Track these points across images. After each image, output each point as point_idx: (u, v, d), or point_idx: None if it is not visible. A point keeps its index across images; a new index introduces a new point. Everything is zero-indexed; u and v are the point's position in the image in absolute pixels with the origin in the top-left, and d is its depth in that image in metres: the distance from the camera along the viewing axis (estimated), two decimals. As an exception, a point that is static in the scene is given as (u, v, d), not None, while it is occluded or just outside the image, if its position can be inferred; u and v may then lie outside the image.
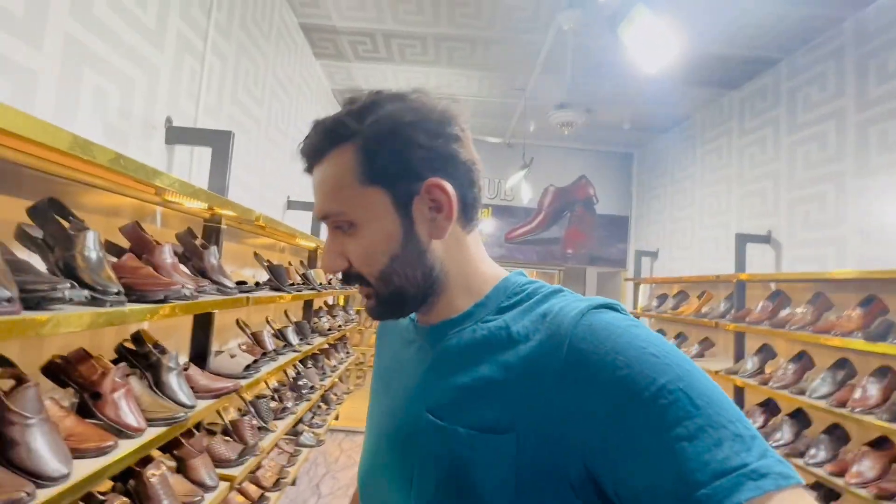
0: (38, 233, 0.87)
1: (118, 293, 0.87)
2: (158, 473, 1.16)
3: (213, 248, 1.38)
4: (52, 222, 0.88)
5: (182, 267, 1.33)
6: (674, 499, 0.32)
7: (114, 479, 1.16)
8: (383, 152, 0.45)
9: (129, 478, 1.15)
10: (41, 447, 0.75)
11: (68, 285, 0.75)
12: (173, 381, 1.16)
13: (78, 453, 0.83)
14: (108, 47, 1.22)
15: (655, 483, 0.33)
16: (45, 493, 0.71)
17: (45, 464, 0.74)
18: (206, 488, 1.30)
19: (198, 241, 1.41)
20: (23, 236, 0.87)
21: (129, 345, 1.17)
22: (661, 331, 3.85)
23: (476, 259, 0.52)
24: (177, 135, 1.51)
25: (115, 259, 1.04)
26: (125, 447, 0.92)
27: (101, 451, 0.87)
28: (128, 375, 1.07)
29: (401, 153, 0.45)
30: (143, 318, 0.91)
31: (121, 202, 1.29)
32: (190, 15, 1.60)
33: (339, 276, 0.51)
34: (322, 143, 0.47)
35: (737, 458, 0.31)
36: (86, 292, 0.79)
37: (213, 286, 1.30)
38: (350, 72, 3.34)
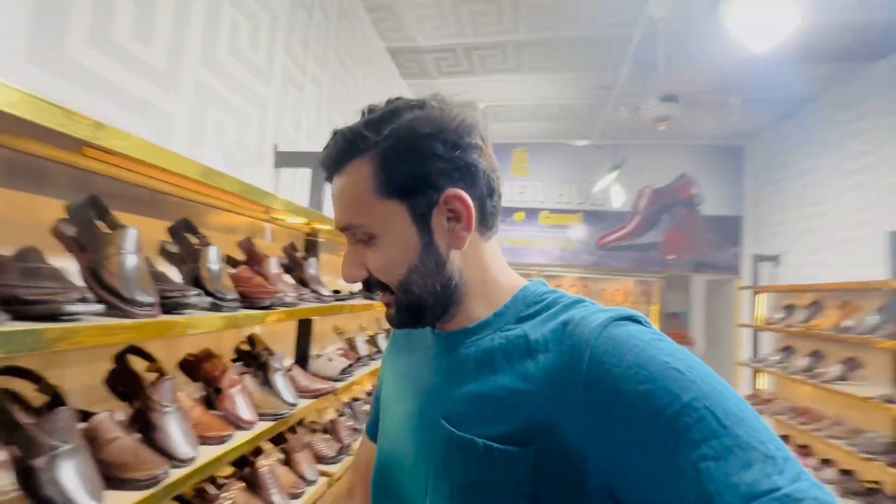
0: (174, 248, 1.03)
1: (234, 300, 0.99)
2: (268, 464, 1.29)
3: (312, 260, 1.51)
4: (185, 240, 1.03)
5: (286, 277, 1.47)
6: None
7: (232, 464, 1.31)
8: (400, 165, 0.45)
9: (245, 465, 1.29)
10: (175, 432, 0.87)
11: (195, 293, 0.87)
12: (279, 380, 1.28)
13: (202, 440, 0.96)
14: (227, 87, 1.41)
15: None
16: (176, 473, 0.83)
17: (177, 447, 0.86)
18: (307, 482, 1.40)
19: (299, 254, 1.55)
20: (163, 252, 1.03)
21: (245, 346, 1.32)
22: (789, 347, 3.33)
23: (495, 267, 0.52)
24: (282, 159, 1.69)
25: (232, 270, 1.18)
26: (240, 437, 1.03)
27: (221, 440, 0.98)
28: (243, 374, 1.20)
29: (418, 165, 0.45)
30: (254, 322, 1.02)
31: (237, 220, 1.47)
32: (293, 50, 1.79)
33: (360, 286, 0.52)
34: (340, 154, 0.48)
35: (768, 480, 0.30)
36: (209, 299, 0.91)
37: (311, 294, 1.41)
38: (434, 88, 3.44)
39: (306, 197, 1.70)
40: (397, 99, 0.49)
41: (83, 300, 0.64)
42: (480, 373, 0.46)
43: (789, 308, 3.40)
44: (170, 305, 0.82)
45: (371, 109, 0.49)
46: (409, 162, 0.45)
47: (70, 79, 0.92)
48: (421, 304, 0.48)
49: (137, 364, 0.97)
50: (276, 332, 1.69)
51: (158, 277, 0.88)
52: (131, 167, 0.89)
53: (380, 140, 0.46)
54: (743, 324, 3.83)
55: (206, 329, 0.85)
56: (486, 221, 0.49)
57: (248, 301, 1.09)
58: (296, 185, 1.86)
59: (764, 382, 3.75)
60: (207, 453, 0.93)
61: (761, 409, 3.26)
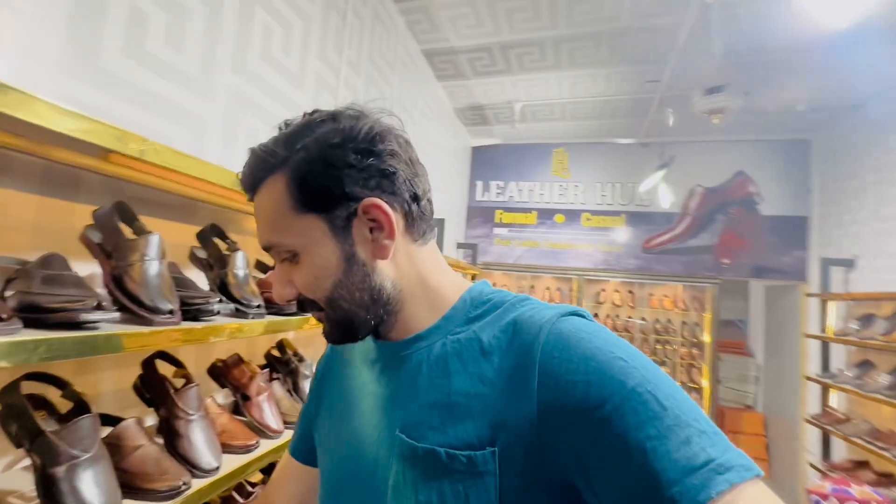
0: (203, 254, 1.03)
1: (259, 306, 0.97)
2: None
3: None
4: (213, 245, 1.03)
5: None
6: (649, 497, 0.33)
7: (262, 471, 1.30)
8: (314, 179, 0.45)
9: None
10: (199, 441, 0.86)
11: (218, 299, 0.86)
12: (308, 387, 1.26)
13: (228, 448, 0.94)
14: (260, 92, 1.42)
15: (630, 483, 0.34)
16: (198, 483, 0.81)
17: (200, 456, 0.84)
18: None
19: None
20: (192, 257, 1.03)
21: (275, 352, 1.32)
22: (866, 362, 2.99)
23: (435, 271, 0.51)
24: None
25: (261, 275, 1.18)
26: (266, 446, 1.01)
27: (247, 449, 0.96)
28: (271, 380, 1.19)
29: (331, 178, 0.45)
30: (278, 329, 1.00)
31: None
32: (325, 56, 1.79)
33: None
34: (255, 172, 0.47)
35: (703, 453, 0.33)
36: (232, 306, 0.89)
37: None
38: (470, 89, 3.41)
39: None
40: (313, 112, 0.48)
41: (100, 308, 0.63)
42: (434, 380, 0.45)
43: (867, 318, 3.04)
44: (192, 313, 0.81)
45: (287, 124, 0.48)
46: (322, 174, 0.44)
47: (105, 88, 0.94)
48: (351, 319, 0.47)
49: (166, 370, 0.97)
50: (308, 339, 1.69)
51: (184, 284, 0.87)
52: (165, 175, 0.89)
53: (291, 155, 0.45)
54: (811, 334, 3.48)
55: (222, 337, 0.83)
56: (415, 226, 0.49)
57: (274, 307, 1.07)
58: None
59: (836, 400, 3.39)
60: (232, 462, 0.91)
61: (835, 429, 2.94)
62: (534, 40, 2.68)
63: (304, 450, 0.64)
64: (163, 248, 0.79)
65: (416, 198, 0.48)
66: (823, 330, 3.43)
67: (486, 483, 0.39)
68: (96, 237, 0.77)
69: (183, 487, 0.76)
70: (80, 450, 0.66)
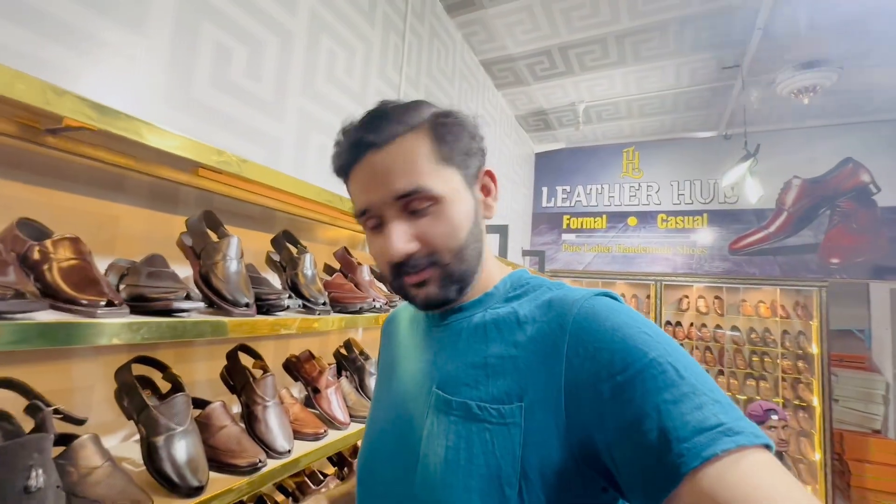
0: (277, 258, 1.14)
1: (324, 304, 1.05)
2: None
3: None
4: (285, 249, 1.13)
5: (379, 284, 1.53)
6: (659, 453, 0.35)
7: (333, 464, 1.38)
8: (455, 138, 0.51)
9: (344, 466, 1.35)
10: (274, 425, 0.94)
11: (288, 295, 0.94)
12: (373, 384, 1.32)
13: (299, 435, 1.02)
14: (327, 112, 1.55)
15: (644, 440, 0.36)
16: (273, 463, 0.89)
17: (275, 439, 0.92)
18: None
19: (393, 263, 1.61)
20: (268, 260, 1.15)
21: (343, 350, 1.40)
22: None
23: (490, 255, 0.57)
24: (377, 174, 1.78)
25: (328, 277, 1.27)
26: (334, 436, 1.08)
27: (316, 437, 1.04)
28: (340, 376, 1.27)
29: (468, 141, 0.52)
30: (340, 325, 1.07)
31: (339, 234, 1.59)
32: (385, 74, 1.90)
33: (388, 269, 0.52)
34: (395, 124, 0.49)
35: (714, 418, 0.35)
36: (300, 302, 0.98)
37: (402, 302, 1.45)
38: (530, 95, 3.39)
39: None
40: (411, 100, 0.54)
41: (189, 298, 0.72)
42: (472, 344, 0.50)
43: None
44: (266, 307, 0.90)
45: (388, 102, 0.53)
46: (461, 137, 0.51)
47: (196, 115, 1.09)
48: (469, 271, 0.52)
49: (248, 362, 1.08)
50: (376, 340, 1.77)
51: (260, 282, 0.97)
52: (243, 185, 1.01)
53: (429, 117, 0.51)
54: (955, 345, 2.91)
55: (291, 329, 0.91)
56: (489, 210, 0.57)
57: (339, 305, 1.15)
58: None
59: None
60: (303, 448, 0.99)
61: None
62: (594, 38, 2.61)
63: None
64: (241, 249, 0.89)
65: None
66: (972, 339, 2.85)
67: (512, 433, 0.43)
68: (188, 241, 0.89)
69: (259, 465, 0.84)
70: (176, 423, 0.76)
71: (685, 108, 3.54)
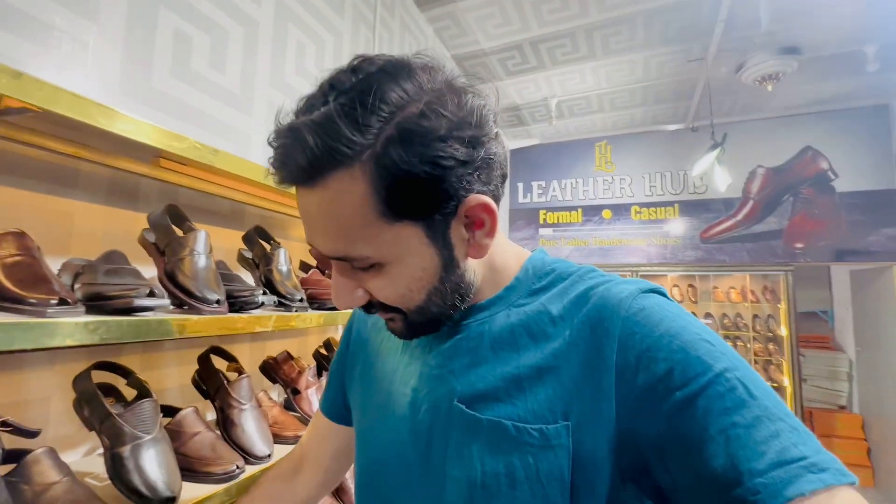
0: (249, 254, 1.09)
1: (301, 300, 1.01)
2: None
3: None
4: (257, 245, 1.08)
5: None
6: (727, 485, 0.30)
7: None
8: (410, 179, 0.35)
9: (328, 469, 1.30)
10: (252, 429, 0.90)
11: (262, 292, 0.90)
12: (355, 383, 1.28)
13: (279, 438, 0.97)
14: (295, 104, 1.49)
15: (709, 470, 0.32)
16: (252, 469, 0.84)
17: (253, 444, 0.87)
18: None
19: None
20: (239, 258, 1.10)
21: (323, 350, 1.35)
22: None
23: (501, 249, 0.48)
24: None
25: (304, 275, 1.22)
26: (316, 438, 1.04)
27: (297, 439, 0.99)
28: (321, 376, 1.22)
29: (435, 178, 0.35)
30: (319, 322, 1.03)
31: None
32: (357, 68, 1.86)
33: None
34: (316, 162, 0.35)
35: (795, 449, 0.30)
36: (275, 298, 0.93)
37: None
38: (504, 90, 3.40)
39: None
40: (363, 61, 0.36)
41: (152, 295, 0.67)
42: (500, 351, 0.43)
43: (980, 297, 2.64)
44: (238, 305, 0.85)
45: (335, 86, 0.36)
46: (422, 175, 0.35)
47: (157, 105, 1.02)
48: (438, 319, 0.44)
49: (221, 365, 1.03)
50: (357, 339, 1.72)
51: (233, 279, 0.92)
52: (209, 177, 0.96)
53: (372, 143, 0.34)
54: (910, 321, 3.08)
55: (266, 327, 0.86)
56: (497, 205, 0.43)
57: (317, 302, 1.10)
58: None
59: (951, 394, 2.95)
60: (284, 451, 0.94)
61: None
62: (564, 32, 2.64)
63: (336, 409, 0.64)
64: (209, 244, 0.84)
65: (504, 178, 0.42)
66: (926, 315, 3.02)
67: (559, 456, 0.37)
68: (151, 238, 0.84)
69: (237, 471, 0.79)
70: (143, 431, 0.71)
71: (654, 101, 3.62)
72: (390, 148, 0.34)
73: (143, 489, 0.66)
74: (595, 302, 0.41)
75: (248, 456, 0.86)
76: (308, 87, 1.58)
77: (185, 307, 0.76)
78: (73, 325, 0.54)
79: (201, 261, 0.81)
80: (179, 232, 0.86)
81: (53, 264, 0.78)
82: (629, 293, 0.40)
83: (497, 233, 0.43)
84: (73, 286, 0.69)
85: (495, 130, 0.40)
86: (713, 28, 2.56)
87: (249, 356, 1.23)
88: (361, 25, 1.88)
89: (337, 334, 1.60)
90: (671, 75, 3.16)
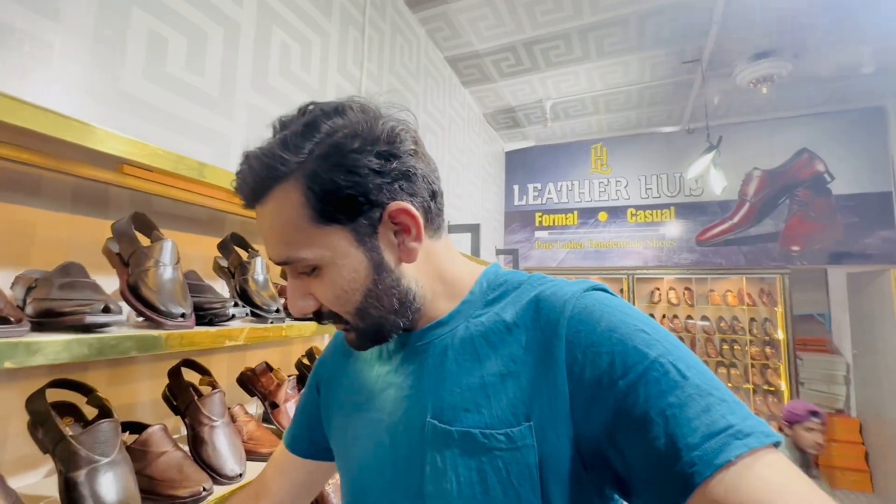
0: (224, 263, 1.05)
1: (277, 311, 0.97)
2: (332, 482, 1.25)
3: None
4: (233, 253, 1.05)
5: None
6: (669, 462, 0.33)
7: (299, 482, 1.29)
8: (335, 188, 0.41)
9: (310, 483, 1.26)
10: (223, 447, 0.86)
11: (233, 303, 0.86)
12: (339, 394, 1.24)
13: (254, 456, 0.94)
14: (282, 108, 1.46)
15: (653, 449, 0.34)
16: (221, 489, 0.80)
17: (224, 463, 0.84)
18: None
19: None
20: (215, 267, 1.06)
21: (305, 360, 1.32)
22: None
23: (450, 263, 0.51)
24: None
25: (285, 283, 1.18)
26: (293, 454, 1.00)
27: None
28: (303, 387, 1.19)
29: (353, 184, 0.41)
30: (299, 332, 0.99)
31: None
32: (346, 70, 1.82)
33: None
34: (258, 181, 0.42)
35: (723, 420, 0.33)
36: (248, 310, 0.89)
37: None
38: (497, 92, 3.37)
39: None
40: (310, 105, 0.44)
41: (107, 310, 0.64)
42: (463, 364, 0.45)
43: (978, 301, 2.62)
44: (208, 317, 0.82)
45: (284, 125, 0.44)
46: (344, 183, 0.41)
47: (127, 109, 0.99)
48: (381, 325, 0.46)
49: (195, 378, 0.99)
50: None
51: (204, 290, 0.89)
52: (174, 182, 0.92)
53: (302, 161, 0.41)
54: (908, 324, 3.05)
55: (238, 340, 0.82)
56: (433, 223, 0.48)
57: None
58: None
59: (949, 399, 2.93)
60: (257, 469, 0.90)
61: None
62: (558, 33, 2.61)
63: (302, 443, 0.64)
64: (177, 254, 0.81)
65: (433, 195, 0.47)
66: (924, 318, 2.99)
67: (526, 456, 0.40)
68: (115, 248, 0.80)
69: (204, 493, 0.75)
70: (100, 454, 0.67)
71: (649, 104, 3.60)
72: (316, 162, 0.41)
73: (97, 517, 0.63)
74: (543, 306, 0.44)
75: (218, 476, 0.82)
76: (292, 89, 1.55)
77: (146, 321, 0.72)
78: (6, 346, 0.51)
79: (167, 272, 0.77)
80: (148, 241, 0.82)
81: (10, 276, 0.75)
82: (572, 294, 0.43)
83: (446, 248, 0.51)
84: (24, 301, 0.65)
85: (412, 148, 0.44)
86: (707, 30, 2.53)
87: (228, 367, 1.19)
88: (350, 27, 1.85)
89: (322, 343, 1.57)
90: (666, 77, 3.14)
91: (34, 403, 0.68)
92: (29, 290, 0.66)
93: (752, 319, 3.86)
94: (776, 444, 0.33)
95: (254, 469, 0.89)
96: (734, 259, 3.77)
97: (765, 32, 2.34)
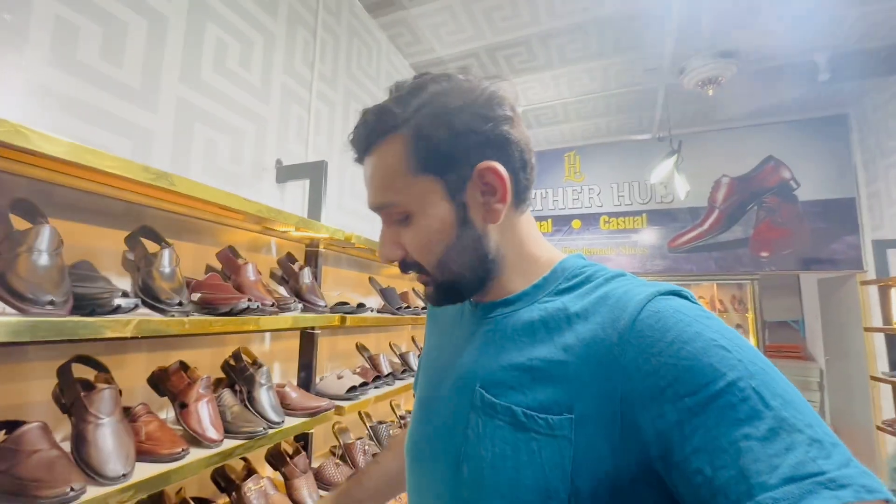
0: (132, 256, 1.01)
1: (180, 304, 0.93)
2: (256, 488, 1.19)
3: (307, 270, 1.45)
4: (140, 245, 1.01)
5: (277, 287, 1.41)
6: (737, 500, 0.29)
7: (221, 489, 1.23)
8: (432, 140, 0.45)
9: (232, 490, 1.20)
10: (107, 447, 0.81)
11: (120, 294, 0.82)
12: (264, 396, 1.19)
13: (149, 456, 0.89)
14: (218, 104, 1.44)
15: (715, 480, 0.31)
16: (98, 491, 0.75)
17: (104, 463, 0.79)
18: (304, 510, 1.28)
19: (296, 265, 1.50)
20: (123, 261, 1.02)
21: (231, 361, 1.27)
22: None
23: (531, 240, 0.52)
24: (283, 173, 1.68)
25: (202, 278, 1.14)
26: (198, 454, 0.95)
27: (172, 457, 0.90)
28: (218, 388, 1.14)
29: (451, 140, 0.45)
30: (201, 329, 0.95)
31: (244, 237, 1.46)
32: (294, 70, 1.81)
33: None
34: (370, 133, 0.48)
35: (812, 464, 0.29)
36: (136, 301, 0.85)
37: (299, 303, 1.34)
38: (466, 99, 3.38)
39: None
40: (424, 74, 0.49)
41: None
42: (519, 343, 0.46)
43: (937, 303, 2.64)
44: (88, 307, 0.78)
45: (398, 87, 0.49)
46: (441, 136, 0.45)
47: (33, 98, 0.96)
48: (459, 282, 0.49)
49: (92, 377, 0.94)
50: (282, 351, 1.64)
51: (95, 280, 0.85)
52: (76, 172, 0.88)
53: (409, 116, 0.46)
54: (871, 327, 3.07)
55: (114, 333, 0.78)
56: (520, 194, 0.49)
57: (209, 307, 1.03)
58: (306, 199, 1.84)
59: (915, 402, 2.93)
60: (151, 470, 0.85)
61: (912, 436, 2.53)
62: (518, 39, 2.64)
63: None
64: (57, 240, 0.77)
65: (524, 165, 0.48)
66: (888, 322, 3.02)
67: (561, 446, 0.39)
68: (-11, 233, 0.76)
69: (71, 494, 0.70)
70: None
71: (617, 111, 3.64)
72: (422, 117, 0.45)
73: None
74: (612, 303, 0.42)
75: (98, 476, 0.77)
76: (229, 85, 1.52)
77: (13, 308, 0.68)
78: None
79: (42, 259, 0.74)
80: (28, 225, 0.78)
81: None
82: (646, 295, 0.40)
83: (529, 224, 0.52)
84: None
85: (509, 115, 0.47)
86: (663, 37, 2.58)
87: (146, 367, 1.14)
88: (300, 28, 1.85)
89: (264, 343, 1.52)
90: (630, 85, 3.18)
91: None
92: None
93: (724, 325, 3.86)
94: (887, 502, 0.28)
95: (148, 469, 0.84)
96: (705, 265, 3.79)
97: (721, 41, 2.38)
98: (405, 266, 0.51)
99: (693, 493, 0.32)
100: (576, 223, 4.21)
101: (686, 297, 0.41)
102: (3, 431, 0.81)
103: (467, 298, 0.52)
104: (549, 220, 4.29)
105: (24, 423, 0.79)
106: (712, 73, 2.20)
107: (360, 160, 0.50)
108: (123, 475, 0.79)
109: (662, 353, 0.36)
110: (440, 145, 0.45)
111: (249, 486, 1.18)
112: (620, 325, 0.39)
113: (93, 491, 0.74)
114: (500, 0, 2.31)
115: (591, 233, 4.15)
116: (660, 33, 2.55)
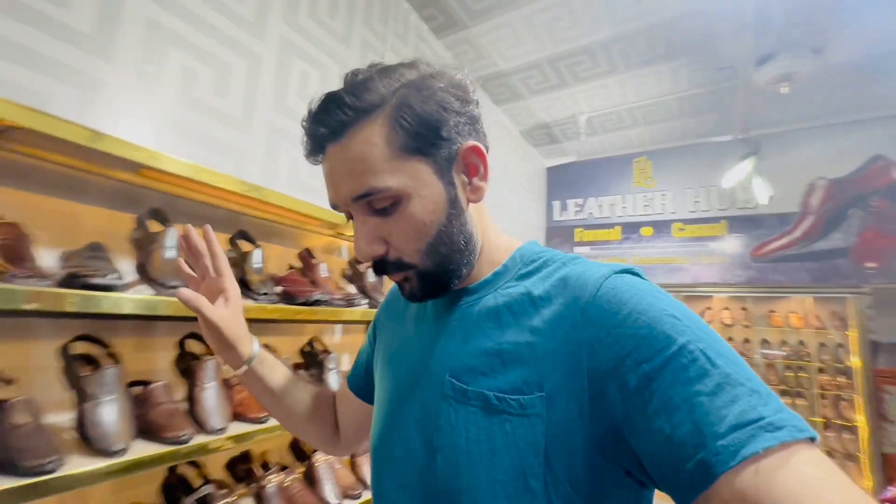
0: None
1: (265, 294, 1.12)
2: (324, 460, 1.36)
3: (371, 270, 1.61)
4: (237, 246, 1.23)
5: (346, 284, 1.59)
6: (692, 450, 0.32)
7: (297, 458, 1.42)
8: (419, 120, 0.44)
9: (306, 459, 1.38)
10: (210, 405, 1.01)
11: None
12: (331, 379, 1.37)
13: (242, 417, 1.08)
14: (300, 126, 1.66)
15: (674, 435, 0.33)
16: (202, 438, 0.94)
17: (208, 418, 0.98)
18: (365, 485, 1.42)
19: (362, 266, 1.67)
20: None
21: (307, 348, 1.46)
22: None
23: (492, 227, 0.54)
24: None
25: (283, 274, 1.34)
26: (275, 422, 1.13)
27: (257, 420, 1.09)
28: (297, 371, 1.32)
29: (438, 118, 0.45)
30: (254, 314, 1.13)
31: (320, 240, 1.67)
32: (365, 92, 2.02)
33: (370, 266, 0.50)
34: (344, 117, 0.44)
35: (753, 411, 0.32)
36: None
37: (364, 299, 1.50)
38: (529, 109, 3.45)
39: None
40: (379, 63, 0.48)
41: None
42: (486, 329, 0.47)
43: None
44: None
45: (355, 73, 0.47)
46: (430, 115, 0.45)
47: (164, 129, 1.22)
48: (447, 266, 0.48)
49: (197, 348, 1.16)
50: (356, 344, 1.82)
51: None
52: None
53: (391, 95, 0.44)
54: None
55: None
56: (486, 176, 0.50)
57: (289, 298, 1.22)
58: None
59: None
60: (241, 428, 1.04)
61: None
62: (580, 48, 2.65)
63: (357, 383, 0.69)
64: (180, 240, 0.99)
65: (487, 150, 0.50)
66: None
67: (534, 424, 0.40)
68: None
69: (183, 436, 0.90)
70: (106, 392, 0.84)
71: (692, 113, 3.47)
72: (407, 93, 0.45)
73: None
74: (573, 283, 0.44)
75: (202, 427, 0.97)
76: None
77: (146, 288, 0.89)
78: None
79: (168, 253, 0.95)
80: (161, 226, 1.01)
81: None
82: (602, 274, 0.43)
83: (488, 214, 0.54)
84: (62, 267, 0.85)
85: (477, 99, 0.49)
86: (738, 32, 2.44)
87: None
88: (370, 53, 2.06)
89: (335, 335, 1.71)
90: (704, 85, 3.03)
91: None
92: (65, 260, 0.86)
93: (821, 344, 3.46)
94: (812, 440, 0.32)
95: (236, 427, 1.03)
96: (797, 276, 3.44)
97: (797, 32, 2.21)
98: (383, 265, 0.48)
99: (657, 451, 0.35)
100: (646, 230, 4.04)
101: (638, 275, 0.44)
102: (141, 387, 1.05)
103: (451, 286, 0.50)
104: (618, 228, 4.16)
105: (152, 382, 1.02)
106: (788, 69, 2.05)
107: (320, 149, 0.46)
108: (221, 429, 0.99)
109: (621, 324, 0.38)
110: (427, 124, 0.44)
111: (318, 458, 1.35)
112: (582, 302, 0.41)
113: (199, 438, 0.94)
114: (559, 12, 2.36)
115: (663, 241, 3.95)
116: (734, 29, 2.42)
